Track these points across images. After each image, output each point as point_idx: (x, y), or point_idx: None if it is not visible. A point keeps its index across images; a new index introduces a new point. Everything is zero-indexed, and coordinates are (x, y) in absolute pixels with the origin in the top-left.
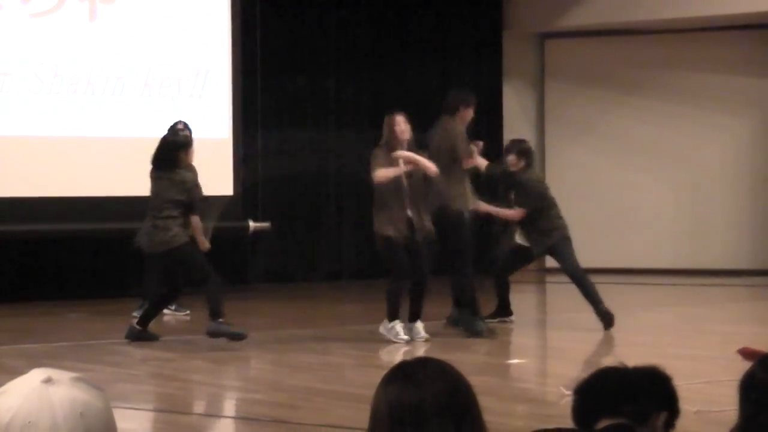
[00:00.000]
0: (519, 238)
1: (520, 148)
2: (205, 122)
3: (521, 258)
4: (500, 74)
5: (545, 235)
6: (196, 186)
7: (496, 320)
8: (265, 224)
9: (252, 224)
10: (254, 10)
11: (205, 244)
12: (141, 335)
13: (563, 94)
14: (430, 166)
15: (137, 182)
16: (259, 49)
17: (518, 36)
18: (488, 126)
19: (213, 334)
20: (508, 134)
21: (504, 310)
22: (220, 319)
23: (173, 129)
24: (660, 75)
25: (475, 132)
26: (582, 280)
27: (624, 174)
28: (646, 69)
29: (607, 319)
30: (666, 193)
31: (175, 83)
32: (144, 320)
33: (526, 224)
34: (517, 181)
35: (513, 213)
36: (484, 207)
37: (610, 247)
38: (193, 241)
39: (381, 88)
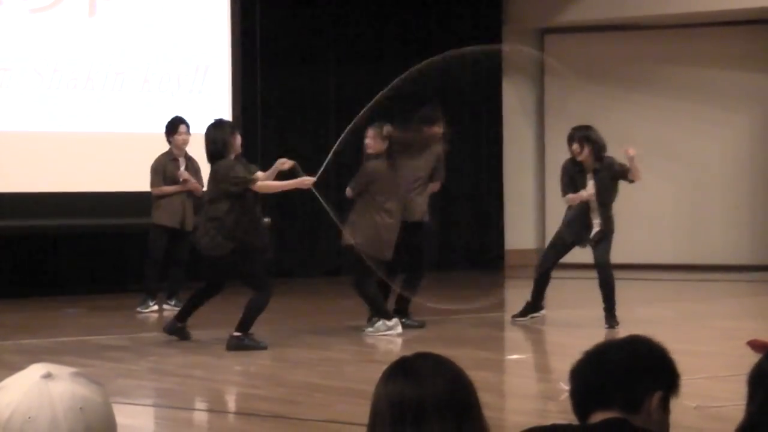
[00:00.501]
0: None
1: (581, 135)
2: (204, 118)
3: (560, 250)
4: (500, 70)
5: (611, 222)
6: (231, 168)
7: (526, 318)
8: (265, 220)
9: None
10: (254, 7)
11: (304, 179)
12: (178, 330)
13: (563, 89)
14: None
15: (137, 178)
16: (259, 44)
17: (518, 31)
18: (488, 121)
19: (234, 348)
20: (508, 130)
21: (537, 305)
22: (239, 333)
23: (217, 121)
24: (660, 70)
25: (474, 128)
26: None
27: None
28: (646, 64)
29: (611, 324)
30: (666, 189)
31: (174, 79)
32: (184, 317)
33: (605, 207)
34: (606, 164)
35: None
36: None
37: None
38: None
39: (381, 84)
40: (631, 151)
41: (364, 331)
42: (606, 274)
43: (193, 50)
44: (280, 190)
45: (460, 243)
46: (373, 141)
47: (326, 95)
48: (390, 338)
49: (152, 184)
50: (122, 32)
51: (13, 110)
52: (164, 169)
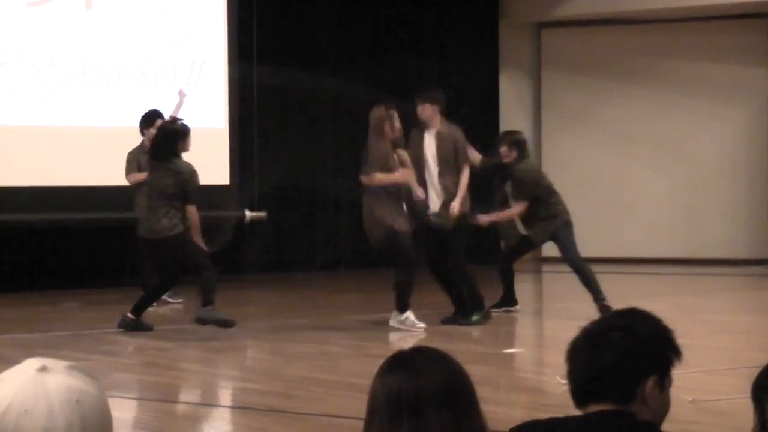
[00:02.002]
0: (521, 229)
1: (512, 139)
2: (201, 112)
3: (523, 246)
4: (497, 64)
5: (547, 222)
6: (193, 175)
7: (501, 309)
8: (262, 214)
9: (248, 214)
10: (250, 1)
11: (201, 245)
12: (134, 325)
13: (559, 83)
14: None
15: None
16: (255, 38)
17: (515, 25)
18: (485, 116)
19: (202, 320)
20: (505, 124)
21: (509, 299)
22: (210, 306)
23: (167, 118)
24: (656, 64)
25: (471, 122)
26: (582, 269)
27: (620, 163)
28: (643, 58)
29: (604, 313)
30: (662, 182)
31: (171, 73)
32: (137, 310)
33: (527, 215)
34: (511, 174)
35: (515, 211)
36: (485, 219)
37: (606, 237)
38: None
39: (377, 77)
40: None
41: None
42: (579, 268)
43: (190, 44)
44: (192, 222)
45: None
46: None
47: (322, 89)
48: (386, 332)
49: (127, 173)
50: (118, 26)
51: (9, 104)
52: (138, 160)
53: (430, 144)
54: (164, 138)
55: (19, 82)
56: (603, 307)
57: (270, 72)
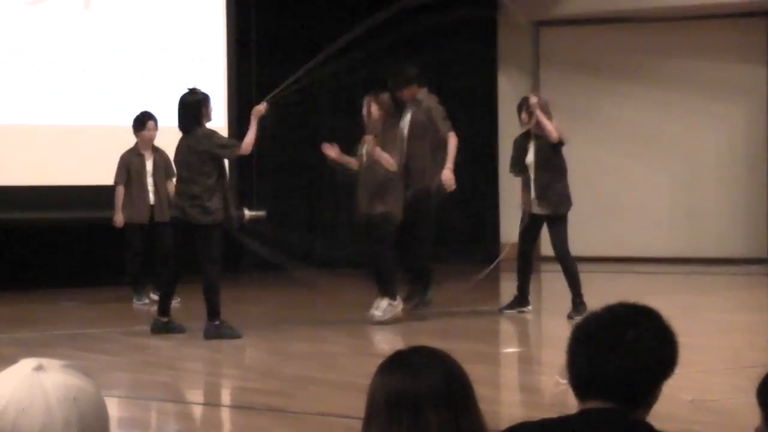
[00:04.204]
0: (535, 206)
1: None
2: None
3: (531, 232)
4: (495, 63)
5: (560, 200)
6: (213, 135)
7: (514, 310)
8: (261, 213)
9: (247, 213)
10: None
11: (257, 108)
12: (168, 327)
13: (558, 82)
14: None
15: None
16: (254, 36)
17: (513, 24)
18: (483, 115)
19: (212, 336)
20: (503, 123)
21: (523, 299)
22: (217, 321)
23: (191, 89)
24: (655, 63)
25: (469, 120)
26: (569, 263)
27: (618, 162)
28: (641, 57)
29: (579, 311)
30: (661, 181)
31: (169, 72)
32: (164, 310)
33: (544, 186)
34: (543, 137)
35: (551, 127)
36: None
37: (604, 236)
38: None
39: (376, 74)
40: (532, 99)
41: (371, 314)
42: (565, 264)
43: (188, 43)
44: (254, 137)
45: (454, 236)
46: (376, 111)
47: (320, 86)
48: (385, 331)
49: (116, 178)
50: (117, 25)
51: (8, 103)
52: (129, 164)
53: (406, 115)
54: (185, 110)
55: (17, 81)
56: (579, 306)
57: (269, 69)
